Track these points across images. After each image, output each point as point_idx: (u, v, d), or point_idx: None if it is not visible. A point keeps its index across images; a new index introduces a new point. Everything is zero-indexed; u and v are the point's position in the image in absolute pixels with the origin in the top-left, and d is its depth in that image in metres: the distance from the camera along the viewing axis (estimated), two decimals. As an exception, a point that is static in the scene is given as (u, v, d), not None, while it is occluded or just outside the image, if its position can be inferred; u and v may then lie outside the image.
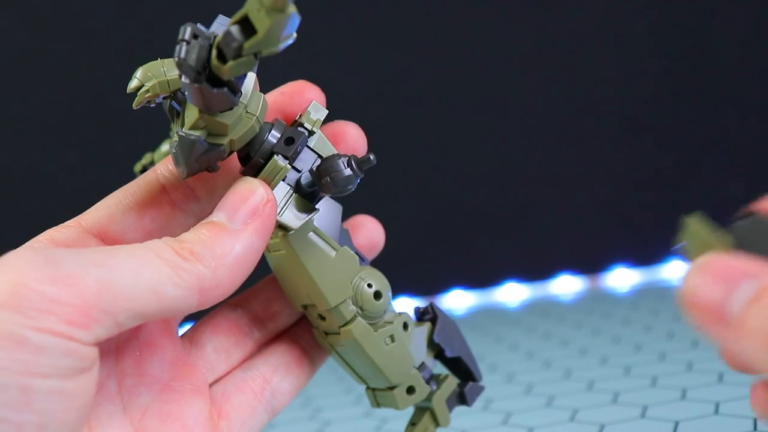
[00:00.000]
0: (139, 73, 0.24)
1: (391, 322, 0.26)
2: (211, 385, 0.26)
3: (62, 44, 0.91)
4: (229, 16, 0.22)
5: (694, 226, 0.22)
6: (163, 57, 0.25)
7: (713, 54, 0.94)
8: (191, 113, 0.23)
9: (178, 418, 0.24)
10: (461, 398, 0.28)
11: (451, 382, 0.28)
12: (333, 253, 0.25)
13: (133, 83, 0.24)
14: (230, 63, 0.21)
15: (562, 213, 0.94)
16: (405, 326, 0.27)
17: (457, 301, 0.92)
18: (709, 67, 0.94)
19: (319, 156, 0.24)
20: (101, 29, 0.92)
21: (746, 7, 0.94)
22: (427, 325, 0.28)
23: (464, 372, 0.29)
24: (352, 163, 0.24)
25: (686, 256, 0.21)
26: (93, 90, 0.91)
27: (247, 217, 0.23)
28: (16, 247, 0.24)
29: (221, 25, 0.22)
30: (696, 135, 0.95)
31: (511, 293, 0.92)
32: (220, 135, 0.23)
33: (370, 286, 0.26)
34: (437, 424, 0.28)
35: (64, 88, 0.91)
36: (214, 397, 0.25)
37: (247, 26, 0.21)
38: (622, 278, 0.92)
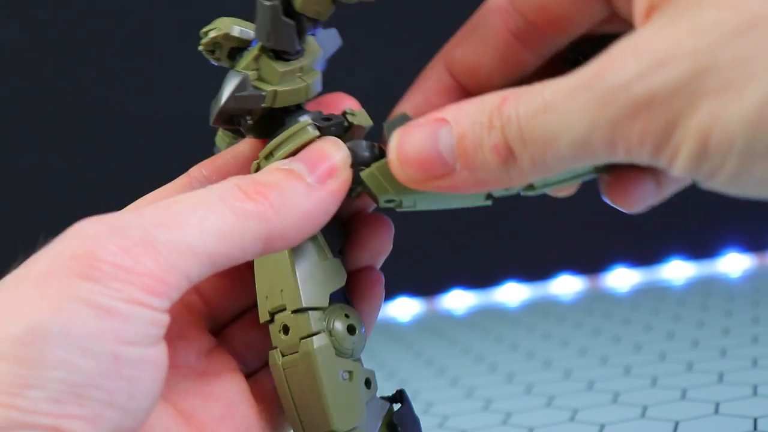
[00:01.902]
0: (216, 20, 0.24)
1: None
2: (247, 376, 0.26)
3: (63, 44, 0.91)
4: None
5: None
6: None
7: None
8: (248, 57, 0.23)
9: (221, 396, 0.24)
10: None
11: None
12: (322, 259, 0.24)
13: (208, 26, 0.24)
14: None
15: (562, 213, 0.94)
16: (367, 382, 0.24)
17: (457, 301, 0.92)
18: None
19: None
20: (103, 29, 0.91)
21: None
22: (388, 406, 0.25)
23: None
24: (375, 147, 0.23)
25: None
26: (94, 90, 0.91)
27: (326, 174, 0.22)
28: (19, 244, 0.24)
29: None
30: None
31: (511, 293, 0.92)
32: (268, 82, 0.23)
33: (347, 316, 0.24)
34: None
35: (67, 88, 0.91)
36: (251, 384, 0.25)
37: None
38: (622, 278, 0.93)
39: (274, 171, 0.22)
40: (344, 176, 0.23)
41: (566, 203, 0.97)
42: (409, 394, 0.27)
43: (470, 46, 0.24)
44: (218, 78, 0.24)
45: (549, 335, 0.71)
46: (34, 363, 0.17)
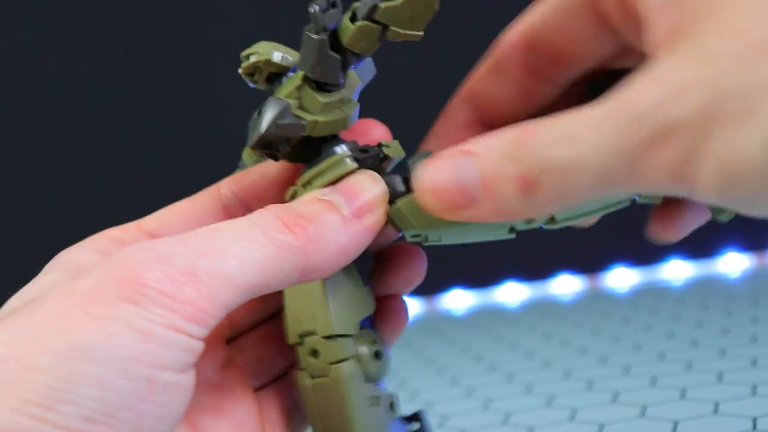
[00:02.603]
0: (257, 44, 0.24)
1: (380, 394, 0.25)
2: (256, 390, 0.26)
3: (65, 44, 0.91)
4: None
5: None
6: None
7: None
8: (290, 85, 0.23)
9: (230, 415, 0.24)
10: None
11: None
12: (355, 286, 0.24)
13: (248, 50, 0.24)
14: (359, 23, 0.21)
15: None
16: (392, 405, 0.25)
17: (457, 300, 0.92)
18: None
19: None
20: (110, 31, 0.91)
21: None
22: (408, 427, 0.26)
23: None
24: (409, 182, 0.24)
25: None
26: (96, 92, 0.91)
27: (364, 209, 0.22)
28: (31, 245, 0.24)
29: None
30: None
31: (511, 293, 0.92)
32: (309, 112, 0.23)
33: (374, 342, 0.24)
34: None
35: (71, 90, 0.91)
36: (260, 400, 0.25)
37: None
38: (621, 278, 0.93)
39: (313, 201, 0.22)
40: (381, 212, 0.23)
41: None
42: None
43: (490, 82, 0.25)
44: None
45: (549, 335, 0.71)
46: (72, 378, 0.18)
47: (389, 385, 0.60)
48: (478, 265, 0.93)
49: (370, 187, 0.23)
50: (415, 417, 0.26)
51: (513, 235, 0.23)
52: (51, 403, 0.17)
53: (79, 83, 0.91)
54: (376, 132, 0.26)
